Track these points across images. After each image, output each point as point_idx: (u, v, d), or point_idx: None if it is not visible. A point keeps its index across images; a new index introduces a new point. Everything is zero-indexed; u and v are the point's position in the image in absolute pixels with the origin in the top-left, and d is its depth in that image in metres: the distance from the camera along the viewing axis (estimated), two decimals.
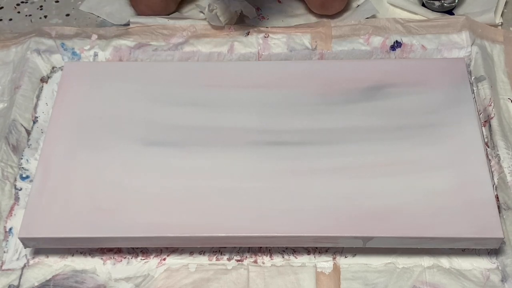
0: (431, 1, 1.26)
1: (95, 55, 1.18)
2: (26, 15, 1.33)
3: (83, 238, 0.91)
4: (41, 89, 1.14)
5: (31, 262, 0.95)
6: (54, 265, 0.95)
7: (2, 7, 1.35)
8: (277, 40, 1.18)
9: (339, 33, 1.18)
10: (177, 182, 0.95)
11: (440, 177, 0.94)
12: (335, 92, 1.05)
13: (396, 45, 1.17)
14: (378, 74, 1.07)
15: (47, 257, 0.96)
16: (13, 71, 1.16)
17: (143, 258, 0.95)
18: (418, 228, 0.89)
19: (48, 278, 0.93)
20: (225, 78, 1.08)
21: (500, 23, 1.23)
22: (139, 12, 1.26)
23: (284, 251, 0.95)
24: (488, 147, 1.03)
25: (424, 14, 1.26)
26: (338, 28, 1.19)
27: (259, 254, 0.95)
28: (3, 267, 0.94)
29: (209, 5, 1.19)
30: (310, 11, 1.27)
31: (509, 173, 0.99)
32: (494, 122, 1.05)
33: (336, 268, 0.93)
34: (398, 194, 0.92)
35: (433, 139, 0.98)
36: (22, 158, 1.05)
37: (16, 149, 1.05)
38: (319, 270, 0.93)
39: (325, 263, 0.93)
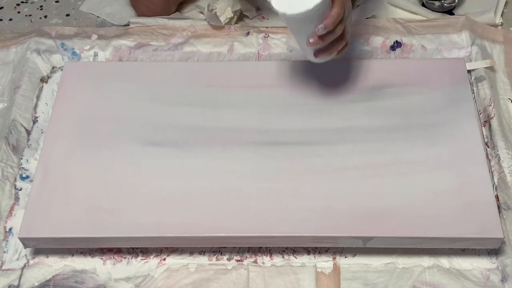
0: (431, 1, 1.26)
1: (95, 55, 1.18)
2: (26, 15, 1.33)
3: (83, 238, 0.91)
4: (41, 89, 1.14)
5: (31, 262, 0.95)
6: (54, 265, 0.95)
7: (2, 7, 1.35)
8: (277, 40, 1.18)
9: None
10: (177, 182, 0.95)
11: (440, 177, 0.94)
12: (335, 92, 1.05)
13: (396, 45, 1.17)
14: (378, 74, 1.07)
15: (47, 257, 0.96)
16: (13, 71, 1.16)
17: (143, 258, 0.95)
18: (418, 228, 0.89)
19: (48, 278, 0.93)
20: (225, 78, 1.08)
21: (500, 23, 1.23)
22: (140, 14, 1.26)
23: (284, 251, 0.95)
24: (488, 147, 1.03)
25: (424, 14, 1.26)
26: None
27: (259, 254, 0.95)
28: (3, 267, 0.94)
29: (208, 5, 1.19)
30: None
31: (509, 173, 0.99)
32: (494, 122, 1.05)
33: (336, 268, 0.93)
34: (398, 194, 0.92)
35: (433, 139, 0.98)
36: (22, 158, 1.05)
37: (16, 149, 1.05)
38: (319, 270, 0.93)
39: (325, 263, 0.93)
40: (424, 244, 0.90)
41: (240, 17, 1.24)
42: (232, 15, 1.21)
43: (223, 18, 1.20)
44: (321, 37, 0.88)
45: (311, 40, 0.89)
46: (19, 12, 1.34)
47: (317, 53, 0.93)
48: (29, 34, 1.21)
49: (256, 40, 1.19)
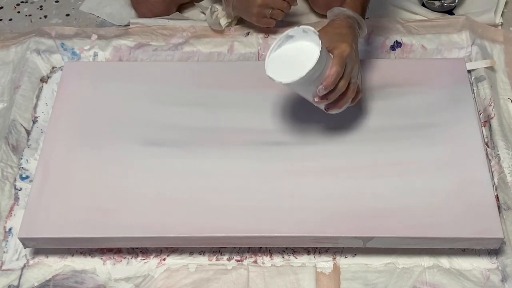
0: (431, 1, 1.26)
1: (95, 55, 1.18)
2: (26, 15, 1.33)
3: (83, 238, 0.91)
4: (41, 89, 1.14)
5: (31, 262, 0.95)
6: (54, 265, 0.94)
7: (2, 7, 1.35)
8: None
9: None
10: (177, 182, 0.95)
11: (440, 177, 0.94)
12: None
13: (396, 45, 1.17)
14: (378, 74, 1.07)
15: (47, 257, 0.95)
16: (13, 71, 1.16)
17: (143, 258, 0.95)
18: (418, 228, 0.89)
19: (48, 278, 0.93)
20: (225, 78, 1.08)
21: (500, 23, 1.23)
22: (141, 15, 1.26)
23: (284, 251, 0.95)
24: (488, 147, 1.03)
25: (424, 14, 1.26)
26: None
27: (259, 254, 0.95)
28: (3, 267, 0.94)
29: (211, 8, 1.19)
30: (311, 10, 1.27)
31: (509, 173, 0.99)
32: (494, 122, 1.05)
33: (336, 268, 0.93)
34: (398, 194, 0.92)
35: (433, 139, 0.98)
36: (22, 158, 1.05)
37: (16, 149, 1.05)
38: (319, 270, 0.93)
39: (325, 263, 0.93)
40: (424, 244, 0.90)
41: (240, 19, 1.23)
42: (232, 17, 1.21)
43: (223, 21, 1.20)
44: (325, 96, 0.88)
45: (315, 100, 0.89)
46: (19, 12, 1.34)
47: (327, 108, 0.92)
48: (29, 34, 1.21)
49: (256, 40, 1.19)
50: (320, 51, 0.83)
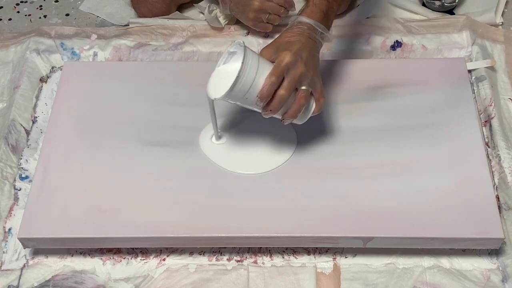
0: (432, 1, 1.26)
1: (95, 54, 1.18)
2: (26, 15, 1.33)
3: (83, 239, 0.91)
4: (40, 89, 1.14)
5: (30, 262, 0.95)
6: (54, 265, 0.94)
7: (1, 7, 1.35)
8: None
9: (339, 33, 1.18)
10: (177, 182, 0.95)
11: (440, 177, 0.94)
12: (335, 92, 1.04)
13: (397, 44, 1.17)
14: (378, 74, 1.07)
15: (47, 257, 0.95)
16: (12, 71, 1.16)
17: (142, 258, 0.95)
18: (418, 228, 0.89)
19: (47, 278, 0.93)
20: None
21: (501, 23, 1.23)
22: (141, 15, 1.26)
23: (284, 251, 0.95)
24: (489, 147, 1.03)
25: (425, 13, 1.26)
26: (338, 28, 1.18)
27: (259, 255, 0.95)
28: (3, 268, 0.94)
29: (209, 6, 1.19)
30: None
31: (509, 173, 0.99)
32: (495, 122, 1.05)
33: (336, 269, 0.93)
34: (398, 194, 0.92)
35: (433, 139, 0.98)
36: (21, 158, 1.05)
37: (16, 149, 1.05)
38: (319, 270, 0.93)
39: (325, 263, 0.93)
40: (424, 244, 0.90)
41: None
42: (231, 17, 1.21)
43: (222, 20, 1.20)
44: (267, 107, 0.84)
45: (262, 113, 0.86)
46: (18, 12, 1.34)
47: (282, 118, 0.87)
48: (29, 33, 1.21)
49: (256, 40, 1.19)
50: (242, 63, 0.81)
